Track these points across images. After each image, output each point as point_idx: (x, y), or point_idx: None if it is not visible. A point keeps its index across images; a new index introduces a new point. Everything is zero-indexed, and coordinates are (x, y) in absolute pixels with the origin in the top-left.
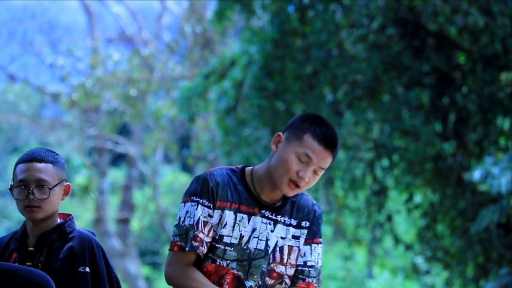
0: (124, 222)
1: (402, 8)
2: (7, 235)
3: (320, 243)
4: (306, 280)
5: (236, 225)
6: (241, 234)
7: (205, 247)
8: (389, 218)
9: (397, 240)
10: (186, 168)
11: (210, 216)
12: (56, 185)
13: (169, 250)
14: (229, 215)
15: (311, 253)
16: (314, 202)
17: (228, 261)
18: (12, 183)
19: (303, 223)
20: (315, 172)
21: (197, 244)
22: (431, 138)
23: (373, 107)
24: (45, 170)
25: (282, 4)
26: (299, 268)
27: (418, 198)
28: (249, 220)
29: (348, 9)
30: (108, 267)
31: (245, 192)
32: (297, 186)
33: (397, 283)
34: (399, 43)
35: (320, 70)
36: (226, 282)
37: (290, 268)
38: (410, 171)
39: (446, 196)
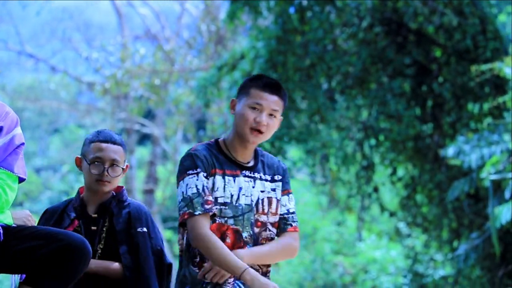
0: (149, 192)
1: (387, 9)
2: (61, 204)
3: (292, 193)
4: (293, 225)
5: (226, 186)
6: (231, 193)
7: (210, 206)
8: (376, 189)
9: (382, 208)
10: None
11: (208, 183)
12: (123, 166)
13: (179, 222)
14: (219, 180)
15: (289, 202)
16: (278, 159)
17: (226, 218)
18: (81, 157)
19: (275, 177)
20: (271, 116)
21: (209, 206)
22: (412, 120)
23: (362, 94)
24: (119, 152)
25: (284, 6)
26: (285, 215)
27: (400, 172)
28: (234, 181)
29: (341, 10)
30: (157, 229)
31: (225, 159)
32: (259, 131)
33: (382, 245)
34: (384, 40)
35: (316, 63)
36: (228, 237)
37: (271, 216)
38: (394, 149)
39: (425, 170)
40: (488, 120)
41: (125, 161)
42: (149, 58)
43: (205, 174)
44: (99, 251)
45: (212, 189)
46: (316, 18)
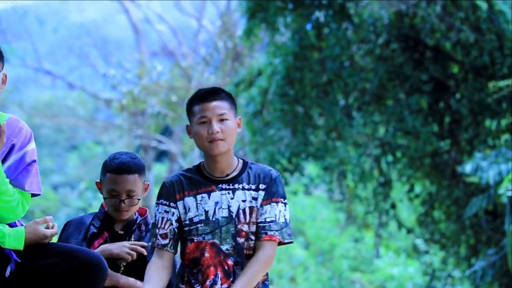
0: None
1: (404, 26)
2: (88, 216)
3: (281, 202)
4: (268, 233)
5: (198, 205)
6: (205, 210)
7: (160, 238)
8: (393, 206)
9: (400, 224)
10: None
11: (166, 211)
12: (142, 191)
13: None
14: (189, 200)
15: (271, 211)
16: (270, 168)
17: (203, 235)
18: (100, 182)
19: (260, 186)
20: (222, 122)
21: (154, 240)
22: (429, 137)
23: (379, 110)
24: (134, 182)
25: (301, 22)
26: (260, 224)
27: (418, 188)
28: (209, 197)
29: (358, 27)
30: None
31: (201, 178)
32: (215, 140)
33: (400, 262)
34: (401, 56)
35: (334, 79)
36: (206, 251)
37: (253, 225)
38: (411, 166)
39: (442, 187)
40: (506, 136)
41: (144, 183)
42: (166, 75)
43: (167, 203)
44: (122, 268)
45: (185, 212)
46: (333, 34)
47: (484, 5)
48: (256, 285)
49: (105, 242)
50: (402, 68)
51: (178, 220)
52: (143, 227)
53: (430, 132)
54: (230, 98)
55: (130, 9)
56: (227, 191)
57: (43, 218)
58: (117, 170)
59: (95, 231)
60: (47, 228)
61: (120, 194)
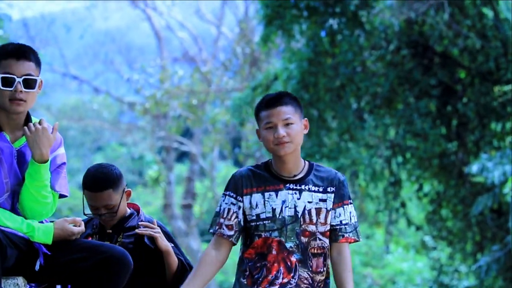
0: (187, 207)
1: (413, 33)
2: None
3: (350, 203)
4: (345, 236)
5: (266, 202)
6: (272, 207)
7: (225, 228)
8: (403, 204)
9: (409, 222)
10: (237, 163)
11: (233, 204)
12: (120, 202)
13: None
14: (257, 197)
15: (344, 213)
16: (336, 171)
17: (270, 232)
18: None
19: (328, 189)
20: (287, 126)
21: (217, 227)
22: (437, 139)
23: (390, 113)
24: (108, 197)
25: (316, 29)
26: (337, 227)
27: (426, 188)
28: (277, 195)
29: (370, 34)
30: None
31: (269, 176)
32: (282, 143)
33: (409, 257)
34: (411, 62)
35: (346, 84)
36: (273, 249)
37: (321, 226)
38: (420, 166)
39: (450, 186)
40: (510, 138)
41: (122, 192)
42: (187, 79)
43: (234, 195)
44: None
45: (251, 207)
46: (346, 41)
47: (490, 13)
48: (322, 284)
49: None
50: (412, 73)
51: (243, 213)
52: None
53: (438, 134)
54: (294, 101)
55: (153, 17)
56: (294, 191)
57: (72, 218)
58: (92, 188)
59: (90, 231)
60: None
61: (98, 209)
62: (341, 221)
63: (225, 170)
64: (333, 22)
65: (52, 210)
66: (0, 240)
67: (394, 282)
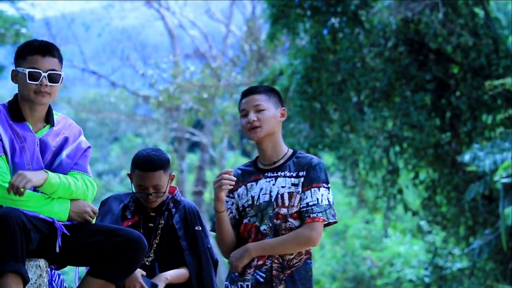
0: (198, 194)
1: (410, 31)
2: (125, 194)
3: (323, 187)
4: (311, 216)
5: (248, 192)
6: (252, 196)
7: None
8: (400, 191)
9: (406, 208)
10: (245, 153)
11: (226, 201)
12: (167, 183)
13: None
14: (241, 190)
15: (311, 195)
16: (313, 157)
17: (249, 218)
18: (131, 176)
19: (300, 173)
20: (258, 112)
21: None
22: (432, 130)
23: (388, 106)
24: (159, 177)
25: (318, 28)
26: (303, 209)
27: (422, 176)
28: (256, 184)
29: (369, 32)
30: (205, 226)
31: (254, 169)
32: (253, 128)
33: (406, 241)
34: (407, 58)
35: (347, 79)
36: (252, 233)
37: (291, 208)
38: (416, 155)
39: (444, 174)
40: (500, 129)
41: (169, 175)
42: (198, 75)
43: (229, 195)
44: (154, 246)
45: (239, 199)
46: (346, 38)
47: (481, 13)
48: (297, 262)
49: (135, 224)
50: (408, 69)
51: (237, 208)
52: (171, 205)
53: (433, 126)
54: (270, 91)
55: (166, 16)
56: (271, 179)
57: (91, 207)
58: (144, 167)
59: (129, 215)
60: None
61: (147, 188)
62: (307, 203)
63: (234, 159)
64: (334, 21)
65: (92, 193)
66: (24, 224)
67: (392, 264)
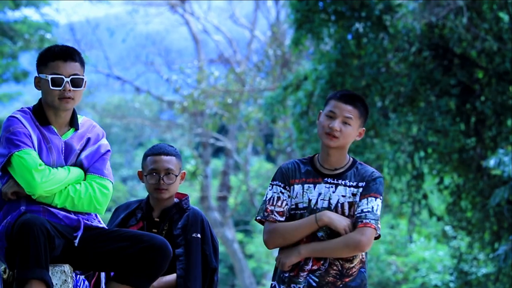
0: (223, 199)
1: (434, 36)
2: (134, 202)
3: (379, 198)
4: (364, 221)
5: (304, 193)
6: (309, 198)
7: (276, 214)
8: (425, 196)
9: (431, 213)
10: (269, 158)
11: (282, 192)
12: (179, 173)
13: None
14: (297, 188)
15: (367, 204)
16: (374, 170)
17: None
18: (142, 170)
19: (360, 184)
20: (344, 123)
21: (266, 213)
22: (457, 135)
23: (412, 111)
24: (171, 162)
25: (343, 33)
26: (357, 214)
27: (447, 181)
28: (314, 187)
29: (393, 37)
30: (211, 235)
31: (312, 169)
32: (333, 136)
33: (431, 246)
34: (432, 63)
35: (371, 84)
36: (308, 236)
37: (350, 218)
38: (441, 160)
39: (469, 179)
40: None
41: (180, 168)
42: (222, 80)
43: (282, 185)
44: None
45: (292, 197)
46: (371, 43)
47: (506, 17)
48: (352, 271)
49: (139, 230)
50: (433, 74)
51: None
52: (174, 211)
53: (457, 131)
54: (363, 108)
55: (190, 21)
56: (331, 185)
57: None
58: (156, 152)
59: (134, 221)
60: None
61: (159, 172)
62: (362, 210)
63: (258, 165)
64: (359, 26)
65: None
66: (48, 231)
67: (417, 270)
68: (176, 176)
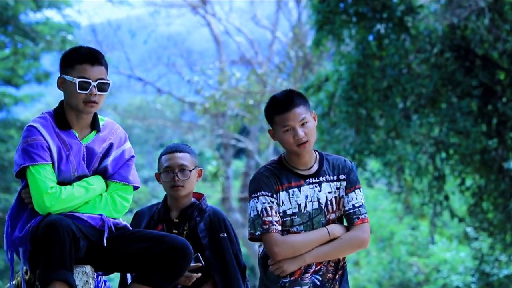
0: (244, 200)
1: (456, 37)
2: (148, 208)
3: (360, 187)
4: (360, 217)
5: (291, 198)
6: (298, 203)
7: (276, 224)
8: (446, 197)
9: (452, 214)
10: None
11: (271, 202)
12: (193, 168)
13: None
14: (283, 194)
15: (356, 197)
16: (345, 158)
17: (296, 226)
18: (158, 171)
19: (340, 176)
20: (303, 125)
21: (266, 226)
22: (478, 136)
23: (434, 112)
24: (185, 158)
25: (364, 34)
26: (351, 211)
27: (468, 182)
28: (300, 191)
29: (415, 38)
30: (234, 234)
31: (289, 173)
32: (303, 144)
33: (452, 247)
34: (454, 64)
35: (393, 85)
36: None
37: (338, 212)
38: (462, 162)
39: (490, 181)
40: None
41: (195, 165)
42: (244, 81)
43: (269, 194)
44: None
45: (279, 204)
46: (392, 45)
47: None
48: (343, 263)
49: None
50: (455, 75)
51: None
52: (196, 213)
53: (479, 132)
54: (303, 99)
55: (212, 22)
56: (314, 185)
57: None
58: (170, 150)
59: (153, 225)
60: None
61: (173, 169)
62: (353, 205)
63: None
64: (380, 27)
65: (123, 206)
66: (74, 233)
67: (438, 271)
68: (191, 171)
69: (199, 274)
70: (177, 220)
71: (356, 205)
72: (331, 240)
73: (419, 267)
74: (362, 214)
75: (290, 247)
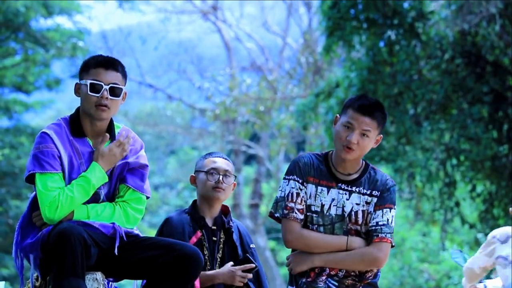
0: (254, 207)
1: (467, 43)
2: (180, 213)
3: (393, 209)
4: (379, 236)
5: (317, 195)
6: (322, 203)
7: (297, 213)
8: (457, 204)
9: (463, 220)
10: None
11: (300, 189)
12: (234, 178)
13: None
14: (311, 188)
15: (382, 216)
16: (389, 177)
17: (316, 226)
18: (195, 173)
19: (374, 192)
20: (363, 136)
21: (286, 211)
22: (489, 142)
23: (445, 119)
24: (229, 166)
25: (375, 40)
26: (372, 228)
27: (479, 188)
28: (328, 192)
29: (426, 44)
30: None
31: (326, 170)
32: (349, 148)
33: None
34: (464, 70)
35: (404, 91)
36: None
37: (364, 226)
38: (473, 168)
39: (501, 187)
40: None
41: (235, 177)
42: (254, 87)
43: (300, 181)
44: (218, 260)
45: (308, 197)
46: (403, 51)
47: None
48: (369, 274)
49: (199, 241)
50: (465, 81)
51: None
52: (231, 223)
53: (490, 138)
54: (381, 118)
55: (223, 29)
56: (344, 191)
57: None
58: (216, 155)
59: (192, 232)
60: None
61: (219, 171)
62: (377, 222)
63: None
64: (391, 33)
65: (136, 218)
66: (85, 240)
67: (449, 277)
68: (233, 180)
69: (251, 275)
70: (215, 227)
71: (380, 223)
72: (346, 250)
73: (430, 274)
74: (384, 233)
75: (303, 241)
